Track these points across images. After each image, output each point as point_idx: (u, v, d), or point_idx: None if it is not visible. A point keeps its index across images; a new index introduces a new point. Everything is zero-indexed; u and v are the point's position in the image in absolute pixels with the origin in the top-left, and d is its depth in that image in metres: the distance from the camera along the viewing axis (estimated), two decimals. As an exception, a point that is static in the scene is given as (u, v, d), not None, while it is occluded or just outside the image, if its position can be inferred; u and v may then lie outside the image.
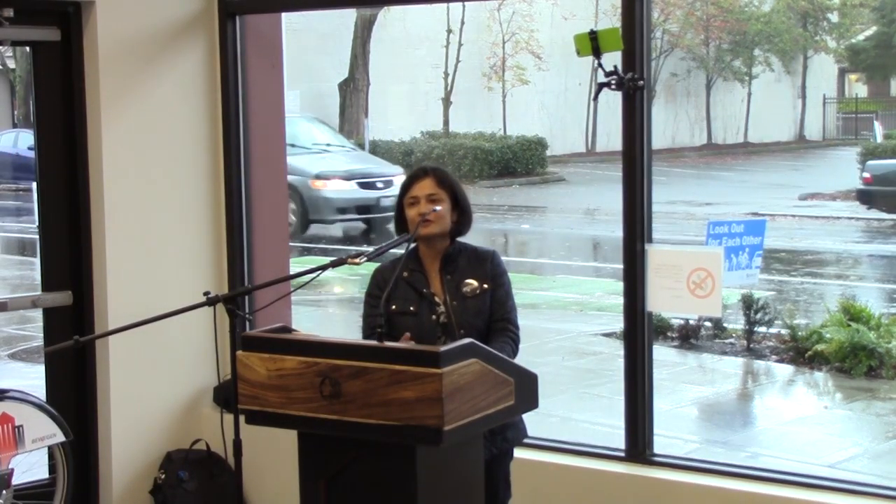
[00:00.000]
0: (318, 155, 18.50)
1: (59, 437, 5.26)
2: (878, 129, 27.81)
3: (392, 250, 4.16)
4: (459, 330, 4.02)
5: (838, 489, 4.49)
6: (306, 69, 27.21)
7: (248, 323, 5.23)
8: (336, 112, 29.20)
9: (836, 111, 37.15)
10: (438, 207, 4.07)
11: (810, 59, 36.21)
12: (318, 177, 17.51)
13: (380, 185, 17.74)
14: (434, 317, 4.08)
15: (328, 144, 19.58)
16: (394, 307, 4.08)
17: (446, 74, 30.06)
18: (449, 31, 29.63)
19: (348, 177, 17.83)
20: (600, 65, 4.58)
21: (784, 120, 36.62)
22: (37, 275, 7.48)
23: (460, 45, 29.49)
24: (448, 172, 4.24)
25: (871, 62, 34.32)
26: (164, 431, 5.85)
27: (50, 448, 5.35)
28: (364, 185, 17.78)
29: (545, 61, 30.19)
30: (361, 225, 18.43)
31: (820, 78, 37.15)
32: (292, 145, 14.46)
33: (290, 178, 15.27)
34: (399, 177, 17.06)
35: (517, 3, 29.44)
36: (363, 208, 17.82)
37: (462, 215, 4.17)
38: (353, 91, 28.69)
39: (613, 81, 4.62)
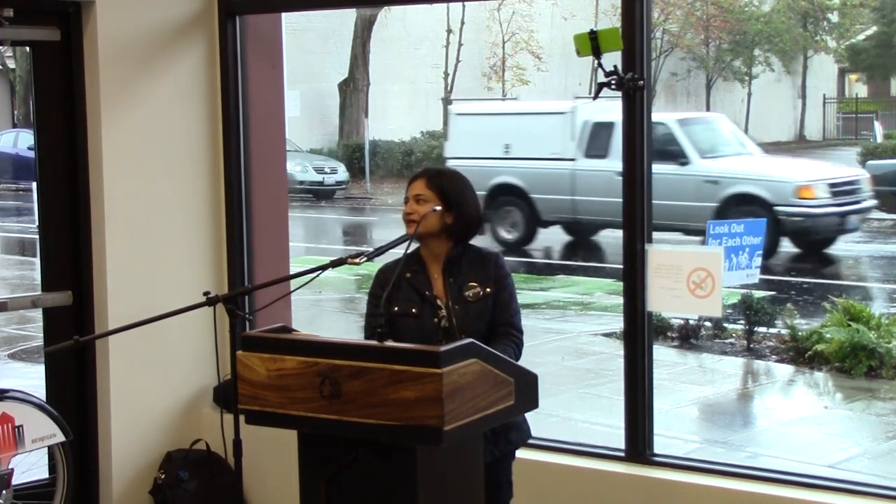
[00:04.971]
0: None
1: (59, 437, 5.26)
2: (878, 129, 27.79)
3: (395, 251, 4.14)
4: (461, 334, 3.96)
5: (838, 489, 4.49)
6: (306, 69, 27.23)
7: (248, 323, 5.23)
8: (336, 112, 29.22)
9: (836, 111, 37.13)
10: (438, 207, 4.02)
11: (810, 59, 36.21)
12: None
13: None
14: (436, 320, 4.05)
15: None
16: (396, 309, 4.05)
17: (446, 74, 30.07)
18: (449, 31, 29.64)
19: None
20: (600, 65, 4.57)
21: (784, 120, 36.62)
22: (37, 275, 7.48)
23: (460, 45, 29.50)
24: (449, 175, 4.12)
25: (871, 62, 34.32)
26: (163, 431, 5.85)
27: (50, 448, 5.35)
28: None
29: (545, 61, 30.21)
30: None
31: (820, 78, 37.14)
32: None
33: None
34: None
35: (517, 3, 29.44)
36: None
37: (459, 219, 4.05)
38: (353, 91, 28.71)
39: (613, 81, 4.61)
